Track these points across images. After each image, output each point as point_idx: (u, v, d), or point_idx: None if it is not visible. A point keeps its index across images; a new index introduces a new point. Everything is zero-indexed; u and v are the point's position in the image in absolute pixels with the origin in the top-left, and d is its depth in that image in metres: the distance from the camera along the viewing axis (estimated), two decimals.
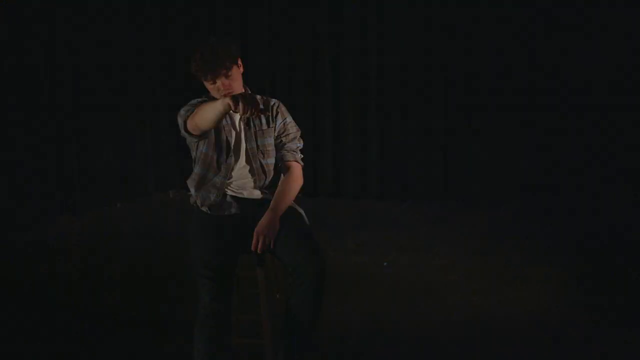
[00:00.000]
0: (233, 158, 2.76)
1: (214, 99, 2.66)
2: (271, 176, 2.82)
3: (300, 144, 2.88)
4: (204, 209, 2.78)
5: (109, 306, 3.71)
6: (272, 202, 2.69)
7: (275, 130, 2.82)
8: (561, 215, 5.32)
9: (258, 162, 2.78)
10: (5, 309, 3.68)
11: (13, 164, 5.33)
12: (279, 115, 2.83)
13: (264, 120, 2.80)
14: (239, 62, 2.67)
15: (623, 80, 5.37)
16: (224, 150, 2.75)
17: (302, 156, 2.87)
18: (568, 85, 5.59)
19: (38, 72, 5.49)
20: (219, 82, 2.61)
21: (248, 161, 2.78)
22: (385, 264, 4.33)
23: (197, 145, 2.77)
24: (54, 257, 4.69)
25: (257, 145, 2.78)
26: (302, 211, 2.85)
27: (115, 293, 3.90)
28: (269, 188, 2.81)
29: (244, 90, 2.71)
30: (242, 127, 2.78)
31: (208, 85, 2.66)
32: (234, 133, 2.78)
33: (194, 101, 2.76)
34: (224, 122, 2.73)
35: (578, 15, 5.46)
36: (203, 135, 2.69)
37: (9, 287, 4.09)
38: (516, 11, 5.69)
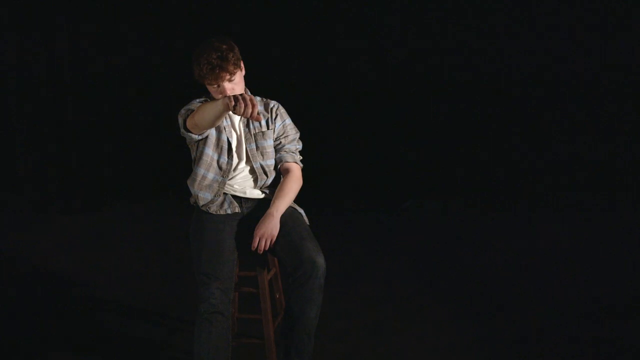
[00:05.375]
0: (233, 159, 2.77)
1: (214, 99, 2.66)
2: (271, 177, 2.83)
3: (300, 146, 2.89)
4: (204, 208, 2.79)
5: (108, 306, 3.71)
6: (272, 202, 2.70)
7: (274, 131, 2.83)
8: None
9: (258, 163, 2.79)
10: (6, 309, 3.69)
11: (13, 163, 5.33)
12: (279, 117, 2.84)
13: (263, 122, 2.81)
14: (242, 65, 2.68)
15: None
16: (224, 151, 2.75)
17: (301, 157, 2.88)
18: None
19: (38, 73, 5.50)
20: (222, 86, 2.61)
21: (248, 162, 2.79)
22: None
23: (197, 145, 2.78)
24: (53, 257, 4.69)
25: (257, 147, 2.79)
26: (302, 211, 2.85)
27: (115, 293, 3.90)
28: (269, 188, 2.83)
29: (245, 92, 2.72)
30: (242, 128, 2.79)
31: (210, 89, 2.66)
32: (234, 134, 2.79)
33: (194, 101, 2.77)
34: (224, 123, 2.75)
35: None
36: (203, 135, 2.69)
37: (9, 287, 4.11)
38: None
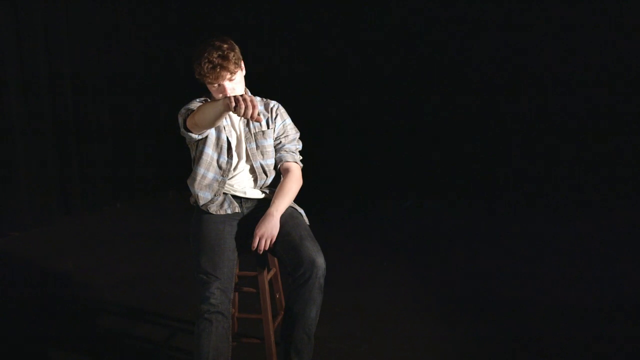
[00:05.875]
0: (233, 158, 2.77)
1: (215, 99, 2.66)
2: (271, 176, 2.83)
3: (300, 145, 2.89)
4: (204, 208, 2.79)
5: (108, 306, 3.71)
6: (272, 202, 2.70)
7: (274, 131, 2.83)
8: None
9: (258, 162, 2.79)
10: (6, 309, 3.70)
11: (13, 163, 5.33)
12: (279, 117, 2.84)
13: (264, 122, 2.81)
14: (242, 65, 2.68)
15: None
16: (224, 151, 2.75)
17: (301, 157, 2.88)
18: None
19: (39, 73, 5.49)
20: (222, 85, 2.62)
21: (248, 161, 2.80)
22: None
23: (197, 145, 2.78)
24: (54, 257, 4.69)
25: (257, 146, 2.79)
26: (302, 211, 2.85)
27: (115, 293, 3.90)
28: (269, 188, 2.83)
29: (245, 92, 2.72)
30: (242, 127, 2.80)
31: (211, 88, 2.66)
32: (234, 133, 2.79)
33: (195, 101, 2.77)
34: (224, 122, 2.75)
35: None
36: (202, 134, 2.69)
37: (9, 288, 4.10)
38: None
